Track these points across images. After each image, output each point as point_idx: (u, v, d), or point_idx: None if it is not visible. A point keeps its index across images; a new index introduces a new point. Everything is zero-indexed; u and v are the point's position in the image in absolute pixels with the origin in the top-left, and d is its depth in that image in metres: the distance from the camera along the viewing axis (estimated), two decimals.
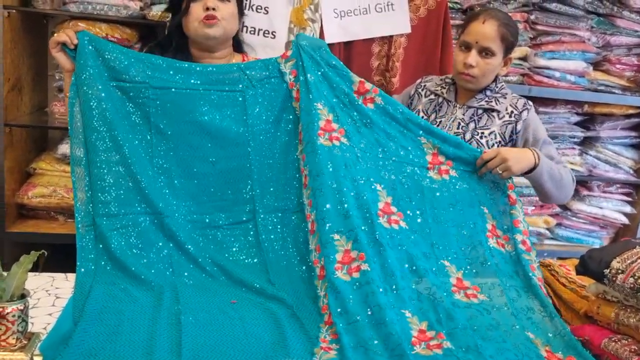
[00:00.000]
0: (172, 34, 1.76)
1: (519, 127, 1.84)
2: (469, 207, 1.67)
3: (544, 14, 2.67)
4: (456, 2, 2.57)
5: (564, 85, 2.77)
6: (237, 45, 1.87)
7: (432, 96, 1.97)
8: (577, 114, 2.87)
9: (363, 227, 1.46)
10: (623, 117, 2.92)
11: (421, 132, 1.70)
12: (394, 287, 1.38)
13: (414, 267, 1.48)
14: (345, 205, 1.47)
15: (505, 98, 1.88)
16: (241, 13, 1.81)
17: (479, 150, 1.72)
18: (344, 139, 1.59)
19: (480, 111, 1.88)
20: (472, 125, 1.87)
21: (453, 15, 2.56)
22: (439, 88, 1.97)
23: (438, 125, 1.89)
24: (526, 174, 1.71)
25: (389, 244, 1.48)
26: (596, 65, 2.87)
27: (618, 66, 2.84)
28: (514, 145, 1.86)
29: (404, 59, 2.40)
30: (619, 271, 1.35)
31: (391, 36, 2.38)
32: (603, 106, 2.87)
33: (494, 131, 1.85)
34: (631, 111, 2.90)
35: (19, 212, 2.41)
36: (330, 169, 1.52)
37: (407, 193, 1.63)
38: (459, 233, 1.64)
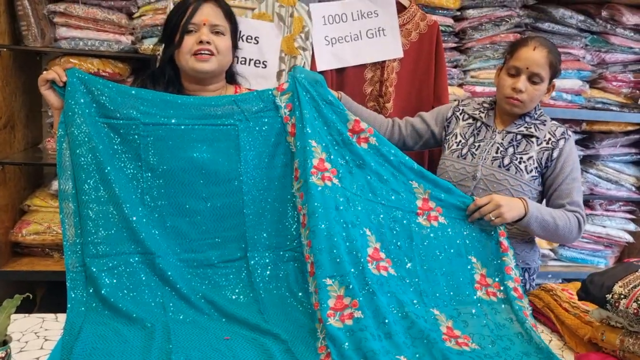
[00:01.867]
0: (164, 67, 1.75)
1: (554, 154, 1.84)
2: (457, 257, 1.67)
3: (537, 34, 2.66)
4: (448, 26, 2.57)
5: (561, 105, 2.75)
6: (230, 76, 1.86)
7: (471, 120, 1.97)
8: (576, 132, 2.85)
9: (355, 273, 1.44)
10: (622, 134, 2.90)
11: (413, 175, 1.69)
12: (387, 333, 1.36)
13: (405, 313, 1.46)
14: (337, 249, 1.45)
15: (544, 125, 1.89)
16: (235, 46, 1.80)
17: (470, 197, 1.74)
18: (335, 180, 1.58)
19: (519, 137, 1.88)
20: (510, 150, 1.87)
21: (445, 38, 2.56)
22: (477, 112, 1.97)
23: (476, 150, 1.90)
24: (516, 222, 1.74)
25: (380, 290, 1.46)
26: (592, 83, 2.86)
27: (614, 83, 2.83)
28: (547, 172, 1.87)
29: (397, 84, 2.39)
30: (622, 296, 1.31)
31: (384, 61, 2.37)
32: (601, 124, 2.85)
33: (532, 156, 1.86)
34: (630, 128, 2.88)
35: (14, 250, 2.39)
36: (322, 210, 1.50)
37: (396, 239, 1.62)
38: (447, 282, 1.63)
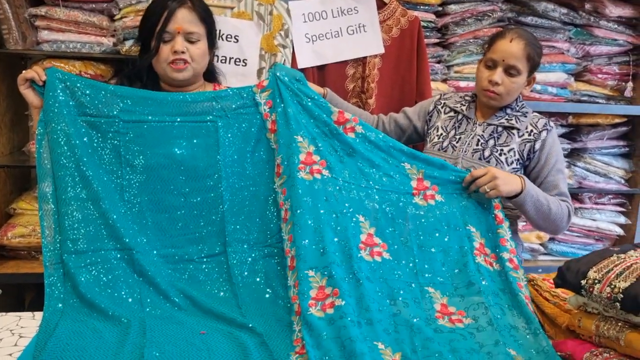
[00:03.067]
0: (142, 70, 1.76)
1: (537, 146, 1.85)
2: (455, 230, 1.66)
3: (517, 27, 2.66)
4: (430, 21, 2.58)
5: (547, 98, 2.75)
6: (209, 74, 1.87)
7: (452, 113, 1.98)
8: (562, 125, 2.85)
9: (340, 263, 1.44)
10: (609, 127, 2.89)
11: (405, 157, 1.70)
12: (369, 319, 1.36)
13: (394, 301, 1.46)
14: (323, 241, 1.45)
15: (525, 117, 1.89)
16: (212, 46, 1.81)
17: (464, 170, 1.73)
18: (325, 171, 1.58)
19: (500, 129, 1.89)
20: (491, 142, 1.88)
21: (427, 34, 2.57)
22: (458, 105, 1.98)
23: (457, 142, 1.91)
24: (511, 198, 1.72)
25: (369, 277, 1.46)
26: (578, 76, 2.86)
27: (600, 76, 2.83)
28: (530, 164, 1.87)
29: (380, 80, 2.40)
30: (596, 281, 1.31)
31: (365, 58, 2.38)
32: (588, 117, 2.85)
33: (513, 148, 1.86)
34: (617, 120, 2.87)
35: (0, 254, 2.39)
36: (310, 204, 1.51)
37: (390, 222, 1.62)
38: (445, 258, 1.62)
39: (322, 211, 1.50)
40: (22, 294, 2.62)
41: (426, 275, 1.58)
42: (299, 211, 1.50)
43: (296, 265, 1.45)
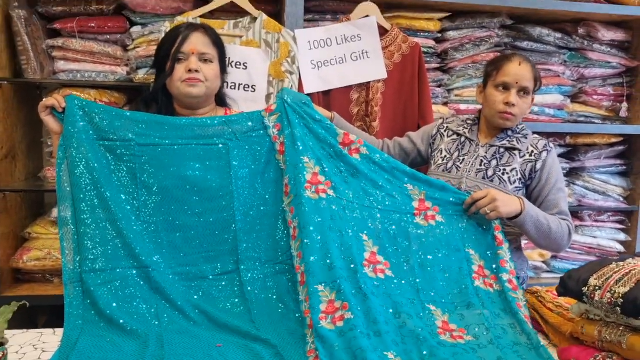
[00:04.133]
0: (157, 92, 1.83)
1: (538, 166, 1.90)
2: (455, 252, 1.71)
3: (516, 52, 2.76)
4: (430, 47, 2.67)
5: (544, 119, 2.83)
6: (220, 100, 1.95)
7: (455, 136, 2.05)
8: (560, 145, 2.92)
9: (347, 278, 1.49)
10: (606, 147, 2.96)
11: (407, 179, 1.75)
12: (377, 331, 1.40)
13: (398, 314, 1.50)
14: (330, 257, 1.51)
15: (526, 138, 1.95)
16: (224, 71, 1.89)
17: (465, 193, 1.79)
18: (330, 191, 1.64)
19: (502, 150, 1.95)
20: (494, 162, 1.93)
21: (428, 59, 2.66)
22: (461, 128, 2.05)
23: (461, 163, 1.97)
24: (511, 218, 1.77)
25: (374, 292, 1.50)
26: (574, 98, 2.94)
27: (595, 97, 2.91)
28: (531, 184, 1.92)
29: (383, 104, 2.48)
30: (596, 288, 1.36)
31: (369, 82, 2.46)
32: (585, 137, 2.91)
33: (515, 168, 1.91)
34: (614, 140, 2.94)
35: (15, 277, 2.44)
36: (317, 222, 1.56)
37: (393, 241, 1.68)
38: (445, 278, 1.67)
39: (328, 229, 1.56)
40: (36, 317, 2.65)
41: (427, 293, 1.62)
42: (306, 229, 1.55)
43: (306, 281, 1.50)
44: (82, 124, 1.60)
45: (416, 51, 2.50)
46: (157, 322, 1.53)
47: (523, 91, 1.88)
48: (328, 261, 1.50)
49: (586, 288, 1.38)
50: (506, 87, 1.89)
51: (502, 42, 2.77)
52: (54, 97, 1.62)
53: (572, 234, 1.87)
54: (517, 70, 1.87)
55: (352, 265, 1.52)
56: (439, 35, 2.70)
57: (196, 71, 1.75)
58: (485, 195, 1.72)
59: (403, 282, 1.62)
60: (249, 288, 1.65)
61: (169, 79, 1.78)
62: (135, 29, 2.44)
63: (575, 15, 2.76)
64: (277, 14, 2.50)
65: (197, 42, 1.77)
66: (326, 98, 2.42)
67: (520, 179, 1.91)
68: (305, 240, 1.54)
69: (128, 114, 1.66)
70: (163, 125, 1.66)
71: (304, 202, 1.58)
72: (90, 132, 1.61)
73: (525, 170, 1.91)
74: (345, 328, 1.39)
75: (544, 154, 1.91)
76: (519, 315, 1.58)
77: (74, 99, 1.62)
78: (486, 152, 1.96)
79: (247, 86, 2.31)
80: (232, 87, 2.29)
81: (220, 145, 1.69)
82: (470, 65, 2.73)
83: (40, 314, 2.67)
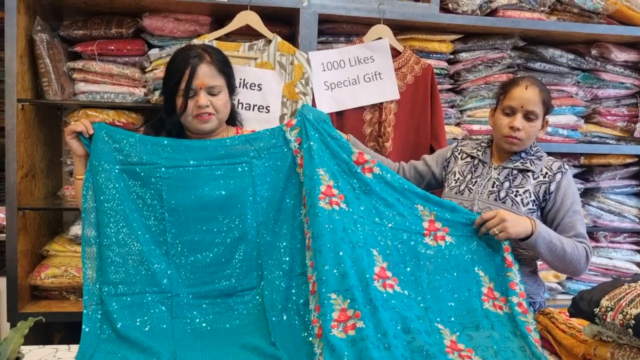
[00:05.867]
0: (166, 120, 1.86)
1: (552, 187, 1.89)
2: (465, 273, 1.72)
3: (529, 74, 2.77)
4: (443, 68, 2.70)
5: (557, 140, 2.83)
6: (230, 118, 1.96)
7: (468, 158, 2.06)
8: (575, 166, 2.92)
9: (359, 287, 1.50)
10: (621, 167, 2.95)
11: (418, 199, 1.77)
12: (386, 345, 1.41)
13: (407, 329, 1.51)
14: (343, 267, 1.52)
15: (540, 160, 1.94)
16: (232, 92, 1.91)
17: (475, 213, 1.79)
18: (343, 205, 1.66)
19: (515, 171, 1.94)
20: (506, 184, 1.93)
21: (440, 80, 2.68)
22: (474, 150, 2.06)
23: (473, 185, 1.97)
24: (522, 240, 1.75)
25: (383, 306, 1.51)
26: (587, 118, 2.94)
27: (609, 117, 2.91)
28: (546, 206, 1.90)
29: (396, 124, 2.50)
30: (608, 309, 1.35)
31: (381, 103, 2.49)
32: (600, 157, 2.91)
33: (528, 190, 1.90)
34: (628, 160, 2.93)
35: (32, 294, 2.48)
36: (330, 231, 1.58)
37: (402, 259, 1.69)
38: (454, 298, 1.68)
39: (340, 239, 1.57)
40: (52, 334, 2.69)
41: (435, 312, 1.63)
42: (320, 238, 1.57)
43: (317, 289, 1.51)
44: (109, 150, 1.65)
45: (428, 72, 2.53)
46: (172, 340, 1.56)
47: (529, 114, 1.88)
48: (341, 270, 1.51)
49: (598, 309, 1.38)
50: (512, 111, 1.89)
51: (515, 63, 2.79)
52: (82, 122, 1.66)
53: (589, 257, 1.84)
54: (523, 94, 1.87)
55: (363, 277, 1.53)
56: (452, 56, 2.73)
57: (206, 106, 1.80)
58: (494, 215, 1.72)
59: (411, 298, 1.62)
60: (268, 302, 1.66)
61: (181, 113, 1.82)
62: (153, 52, 2.50)
63: (588, 37, 2.78)
64: (292, 37, 2.55)
65: (205, 75, 1.80)
66: (339, 118, 2.46)
67: (533, 201, 1.90)
68: (319, 249, 1.55)
69: (154, 139, 1.70)
70: (189, 147, 1.71)
71: (317, 212, 1.60)
72: (117, 158, 1.65)
73: (538, 192, 1.90)
74: (357, 337, 1.39)
75: (558, 176, 1.90)
76: (529, 339, 1.58)
77: (103, 127, 1.66)
78: (499, 174, 1.96)
79: (261, 107, 2.35)
80: (247, 108, 2.33)
81: (244, 164, 1.73)
82: (482, 86, 2.75)
83: (57, 330, 2.71)
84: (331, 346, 1.39)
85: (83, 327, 1.54)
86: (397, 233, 1.71)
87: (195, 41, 2.34)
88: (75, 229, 2.48)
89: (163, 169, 1.66)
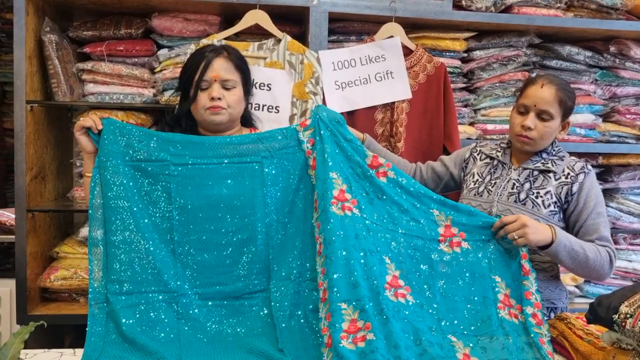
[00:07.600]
0: (181, 116, 1.86)
1: (574, 189, 1.83)
2: (480, 279, 1.67)
3: (545, 72, 2.71)
4: (456, 67, 2.65)
5: (575, 139, 2.77)
6: (245, 120, 1.95)
7: (488, 160, 2.01)
8: (593, 166, 2.83)
9: (370, 297, 1.47)
10: None
11: (434, 204, 1.72)
12: (396, 357, 1.37)
13: (419, 340, 1.47)
14: (354, 276, 1.48)
15: (562, 160, 1.88)
16: (248, 93, 1.89)
17: (493, 217, 1.73)
18: (355, 210, 1.62)
19: (535, 172, 1.89)
20: (527, 185, 1.88)
21: (454, 79, 2.63)
22: (494, 152, 2.01)
23: (492, 187, 1.93)
24: (542, 248, 1.69)
25: (395, 316, 1.48)
26: (606, 117, 2.87)
27: (628, 116, 2.83)
28: (568, 208, 1.85)
29: (408, 124, 2.46)
30: (628, 315, 1.30)
31: (393, 103, 2.45)
32: (618, 157, 2.84)
33: (549, 191, 1.85)
34: None
35: (42, 296, 2.48)
36: (341, 238, 1.54)
37: (415, 267, 1.65)
38: (468, 308, 1.63)
39: (352, 247, 1.53)
40: (62, 336, 2.68)
41: (448, 323, 1.59)
42: (331, 245, 1.53)
43: (328, 297, 1.48)
44: (117, 146, 1.62)
45: (441, 71, 2.48)
46: (177, 344, 1.53)
47: (543, 114, 1.82)
48: (352, 279, 1.48)
49: (617, 316, 1.33)
50: (525, 110, 1.84)
51: (530, 61, 2.73)
52: (91, 117, 1.63)
53: (613, 261, 1.77)
54: (537, 93, 1.82)
55: (374, 286, 1.49)
56: (465, 54, 2.68)
57: (219, 99, 1.77)
58: (515, 219, 1.65)
59: (424, 309, 1.58)
60: (278, 305, 1.63)
61: (193, 106, 1.80)
62: (162, 52, 2.49)
63: (606, 33, 2.71)
64: (301, 36, 2.52)
65: (220, 69, 1.78)
66: (350, 118, 2.42)
67: (555, 203, 1.83)
68: (330, 257, 1.51)
69: (163, 135, 1.67)
70: (198, 144, 1.67)
71: (329, 217, 1.57)
72: (126, 154, 1.62)
73: (560, 193, 1.83)
74: (367, 349, 1.36)
75: (581, 176, 1.83)
76: (543, 351, 1.53)
77: (111, 122, 1.64)
78: (519, 175, 1.90)
79: (270, 107, 2.32)
80: (256, 108, 2.30)
81: (254, 163, 1.69)
82: (497, 84, 2.70)
83: (67, 332, 2.70)
84: (340, 357, 1.35)
85: (88, 327, 1.52)
86: (410, 240, 1.67)
87: (204, 41, 2.32)
88: (85, 231, 2.47)
89: (172, 166, 1.63)
